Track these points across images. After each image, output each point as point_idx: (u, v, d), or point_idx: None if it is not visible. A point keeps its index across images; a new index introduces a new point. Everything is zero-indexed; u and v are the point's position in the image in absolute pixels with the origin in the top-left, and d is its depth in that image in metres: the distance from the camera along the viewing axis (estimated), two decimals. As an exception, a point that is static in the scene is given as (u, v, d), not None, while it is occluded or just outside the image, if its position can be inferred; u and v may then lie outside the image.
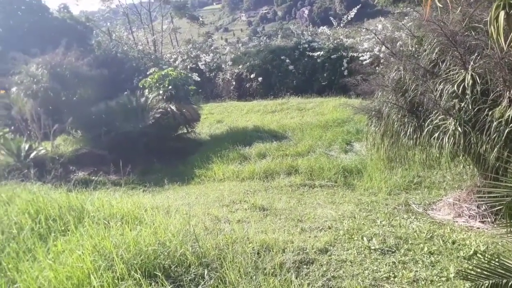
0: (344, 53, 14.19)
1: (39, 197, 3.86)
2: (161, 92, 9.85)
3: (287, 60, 15.04)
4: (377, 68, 12.01)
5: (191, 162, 8.18)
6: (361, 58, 12.94)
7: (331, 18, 16.61)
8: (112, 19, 30.72)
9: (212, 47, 19.02)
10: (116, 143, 8.21)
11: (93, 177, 7.46)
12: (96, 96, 9.79)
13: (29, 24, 19.47)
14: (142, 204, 4.07)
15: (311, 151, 7.52)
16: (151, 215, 3.58)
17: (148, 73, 10.97)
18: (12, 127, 9.45)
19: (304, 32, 16.47)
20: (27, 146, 7.87)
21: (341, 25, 15.67)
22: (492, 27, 2.22)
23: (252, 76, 15.20)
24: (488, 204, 3.77)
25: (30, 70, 8.67)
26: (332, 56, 14.37)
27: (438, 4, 2.18)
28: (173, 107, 9.57)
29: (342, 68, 14.16)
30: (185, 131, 10.45)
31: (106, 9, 29.78)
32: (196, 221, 3.59)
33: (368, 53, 13.03)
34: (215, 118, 12.54)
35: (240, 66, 15.70)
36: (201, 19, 33.78)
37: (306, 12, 28.45)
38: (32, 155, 7.68)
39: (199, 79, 13.95)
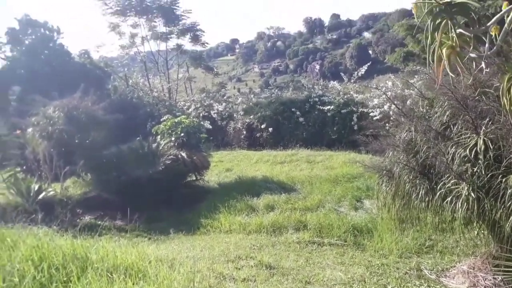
0: (354, 108, 14.40)
1: (44, 243, 3.81)
2: (173, 138, 9.99)
3: (298, 112, 15.29)
4: (387, 124, 12.09)
5: (198, 210, 8.10)
6: (371, 114, 13.10)
7: (342, 74, 17.06)
8: (130, 65, 31.85)
9: (225, 97, 19.51)
10: (125, 188, 8.20)
11: (99, 222, 7.39)
12: (109, 140, 9.93)
13: (50, 67, 20.26)
14: (146, 255, 3.98)
15: (320, 206, 7.41)
16: (155, 268, 3.50)
17: (162, 119, 11.19)
18: (24, 167, 9.55)
19: (315, 86, 16.88)
20: (36, 187, 7.90)
21: (352, 80, 16.04)
22: (504, 98, 2.25)
23: (262, 126, 15.42)
24: (505, 277, 3.62)
25: (47, 112, 8.91)
26: (342, 111, 14.58)
27: (451, 74, 2.23)
28: (184, 154, 9.65)
29: (352, 123, 14.31)
30: (194, 178, 10.46)
31: (125, 56, 30.99)
32: (200, 278, 3.48)
33: (378, 109, 13.21)
34: (224, 166, 12.58)
35: (252, 116, 15.98)
36: (215, 69, 34.85)
37: (317, 66, 29.33)
38: (40, 196, 7.69)
39: (210, 127, 14.17)
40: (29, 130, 9.19)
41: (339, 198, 7.90)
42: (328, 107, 14.74)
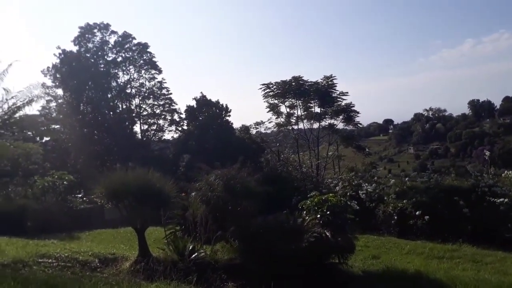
0: (537, 204, 12.02)
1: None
2: (318, 216, 9.80)
3: (461, 202, 13.47)
4: None
5: (340, 298, 7.49)
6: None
7: (519, 162, 14.68)
8: (283, 141, 33.87)
9: (375, 177, 18.68)
10: (268, 260, 8.22)
11: (240, 291, 7.47)
12: (258, 210, 10.34)
13: (216, 140, 22.98)
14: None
15: (491, 320, 6.02)
16: None
17: (308, 195, 11.21)
18: (183, 226, 10.56)
19: (483, 174, 14.86)
20: (190, 247, 8.56)
21: (533, 171, 13.61)
22: None
23: (417, 213, 13.99)
24: None
25: (209, 180, 9.89)
26: (520, 205, 12.32)
27: None
28: (328, 234, 9.30)
29: (533, 221, 11.88)
30: (337, 261, 9.87)
31: (280, 132, 33.18)
32: None
33: None
34: (370, 252, 11.64)
35: (405, 201, 14.73)
36: (367, 149, 34.31)
37: (488, 153, 26.02)
38: (193, 256, 8.26)
39: (358, 207, 13.58)
40: (193, 194, 10.29)
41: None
42: (501, 199, 12.65)
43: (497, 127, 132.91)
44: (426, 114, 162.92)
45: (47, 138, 46.51)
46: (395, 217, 14.93)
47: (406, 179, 17.21)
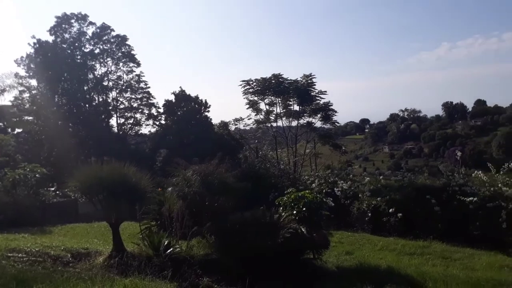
0: (503, 203, 12.49)
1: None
2: (294, 212, 9.90)
3: (433, 201, 13.86)
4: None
5: (314, 293, 7.60)
6: (526, 213, 11.13)
7: (489, 164, 15.18)
8: (262, 138, 33.99)
9: (351, 175, 18.98)
10: (244, 256, 8.26)
11: (216, 286, 7.48)
12: (234, 206, 10.36)
13: (195, 136, 22.83)
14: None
15: (458, 315, 6.25)
16: None
17: (285, 192, 11.30)
18: (159, 222, 10.48)
19: (455, 174, 15.30)
20: (166, 242, 8.50)
21: (501, 172, 14.08)
22: None
23: (391, 210, 14.31)
24: None
25: (186, 175, 9.85)
26: (488, 205, 12.77)
27: None
28: (303, 230, 9.41)
29: (500, 220, 12.37)
30: (311, 256, 10.01)
31: (259, 130, 33.26)
32: None
33: (536, 207, 11.18)
34: (344, 248, 11.84)
35: (379, 198, 15.04)
36: (343, 148, 34.81)
37: (459, 153, 26.77)
38: (168, 251, 8.21)
39: (333, 204, 13.75)
40: (169, 189, 10.22)
41: (483, 308, 6.57)
42: (471, 198, 13.06)
43: (469, 129, 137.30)
44: (401, 115, 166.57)
45: (19, 130, 45.13)
46: (369, 214, 15.23)
47: (381, 177, 17.54)
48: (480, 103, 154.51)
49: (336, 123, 31.84)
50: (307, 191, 10.91)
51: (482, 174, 14.65)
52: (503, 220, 12.41)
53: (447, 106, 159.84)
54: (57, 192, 21.94)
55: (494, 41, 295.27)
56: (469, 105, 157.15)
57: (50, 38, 45.17)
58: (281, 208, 10.25)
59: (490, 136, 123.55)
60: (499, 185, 13.55)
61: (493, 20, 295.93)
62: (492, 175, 14.39)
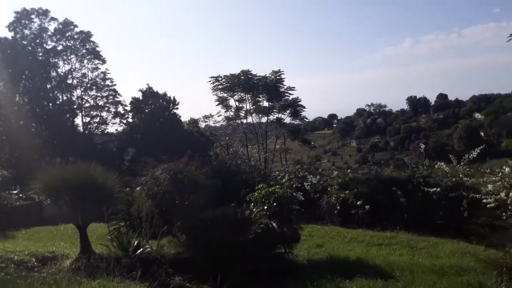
0: (464, 193, 13.05)
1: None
2: (265, 207, 9.97)
3: (399, 192, 14.33)
4: (503, 214, 10.59)
5: (286, 287, 7.70)
6: (484, 201, 11.68)
7: (450, 156, 15.82)
8: (232, 135, 33.93)
9: (320, 170, 19.30)
10: (215, 253, 8.25)
11: (188, 284, 7.44)
12: (205, 203, 10.32)
13: (163, 133, 22.48)
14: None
15: (423, 300, 6.50)
16: None
17: (256, 188, 11.36)
18: (128, 222, 10.27)
19: (419, 166, 15.85)
20: (135, 242, 8.35)
21: (462, 163, 14.72)
22: None
23: (358, 203, 14.68)
24: None
25: (155, 174, 9.71)
26: (450, 195, 13.34)
27: None
28: (274, 224, 9.50)
29: (462, 209, 12.97)
30: (283, 250, 10.12)
31: (229, 126, 33.17)
32: None
33: (493, 196, 11.75)
34: (314, 241, 12.05)
35: (347, 192, 15.39)
36: (312, 143, 35.27)
37: (423, 146, 27.85)
38: (138, 252, 8.07)
39: (303, 198, 13.96)
40: (138, 188, 10.04)
41: (446, 293, 6.87)
42: (434, 189, 13.59)
43: (432, 122, 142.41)
44: (368, 109, 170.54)
45: (-23, 131, 42.93)
46: (338, 207, 15.56)
47: (348, 171, 17.96)
48: (442, 97, 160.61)
49: (305, 119, 32.21)
50: (277, 186, 11.00)
51: (445, 166, 15.26)
52: (464, 209, 12.99)
53: (411, 100, 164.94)
54: (20, 195, 21.08)
55: (454, 36, 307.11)
56: (432, 99, 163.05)
57: (9, 35, 43.32)
58: (252, 204, 10.29)
59: (452, 129, 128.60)
60: (460, 175, 14.17)
61: (453, 16, 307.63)
62: (454, 166, 15.04)
